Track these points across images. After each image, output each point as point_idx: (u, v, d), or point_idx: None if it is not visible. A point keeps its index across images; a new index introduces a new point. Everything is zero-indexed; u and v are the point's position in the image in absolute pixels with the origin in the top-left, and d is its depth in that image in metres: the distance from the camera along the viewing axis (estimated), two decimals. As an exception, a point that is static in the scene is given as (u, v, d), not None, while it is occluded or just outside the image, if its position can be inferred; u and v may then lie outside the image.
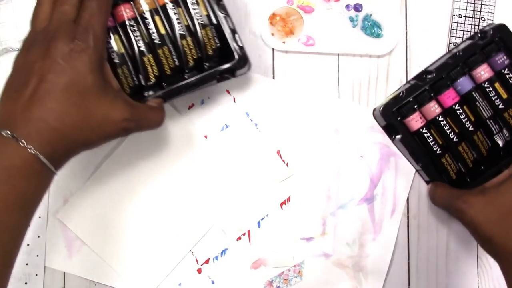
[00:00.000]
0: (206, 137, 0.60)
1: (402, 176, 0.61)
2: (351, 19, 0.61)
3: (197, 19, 0.53)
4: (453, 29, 0.61)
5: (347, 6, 0.61)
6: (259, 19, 0.62)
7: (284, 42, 0.61)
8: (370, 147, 0.61)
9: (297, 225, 0.60)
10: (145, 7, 0.53)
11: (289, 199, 0.60)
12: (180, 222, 0.59)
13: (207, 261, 0.59)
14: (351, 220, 0.60)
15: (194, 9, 0.53)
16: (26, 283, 0.59)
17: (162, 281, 0.59)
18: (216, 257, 0.59)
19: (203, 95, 0.61)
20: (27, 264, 0.59)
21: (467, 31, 0.61)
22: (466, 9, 0.61)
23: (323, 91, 0.61)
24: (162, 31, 0.53)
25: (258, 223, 0.60)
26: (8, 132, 0.43)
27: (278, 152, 0.60)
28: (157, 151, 0.60)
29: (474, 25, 0.61)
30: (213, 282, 0.59)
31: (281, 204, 0.60)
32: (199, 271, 0.59)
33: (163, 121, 0.52)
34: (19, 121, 0.43)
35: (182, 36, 0.53)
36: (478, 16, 0.61)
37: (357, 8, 0.61)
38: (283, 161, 0.60)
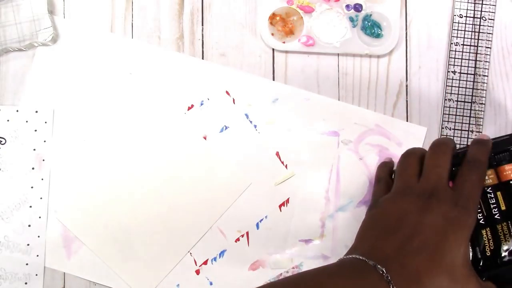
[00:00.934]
0: (205, 138, 0.60)
1: None
2: (351, 19, 0.60)
3: None
4: (453, 29, 0.61)
5: (347, 6, 0.60)
6: (259, 19, 0.61)
7: (284, 42, 0.61)
8: (369, 150, 0.60)
9: (295, 227, 0.60)
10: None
11: (288, 200, 0.60)
12: (179, 223, 0.59)
13: (205, 262, 0.59)
14: (350, 223, 0.60)
15: None
16: (26, 283, 0.59)
17: (161, 282, 0.59)
18: (215, 258, 0.59)
19: (202, 96, 0.61)
20: (27, 264, 0.59)
21: (468, 31, 0.61)
22: (467, 9, 0.61)
23: (323, 91, 0.61)
24: (503, 207, 0.51)
25: (257, 224, 0.60)
26: (383, 270, 0.45)
27: (277, 153, 0.60)
28: (156, 151, 0.60)
29: (475, 25, 0.61)
30: (211, 283, 0.59)
31: (280, 206, 0.60)
32: (197, 272, 0.59)
33: None
34: (392, 263, 0.45)
35: None
36: (479, 16, 0.61)
37: (357, 8, 0.60)
38: (282, 162, 0.60)
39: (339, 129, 0.61)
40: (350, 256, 0.48)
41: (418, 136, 0.61)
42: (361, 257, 0.47)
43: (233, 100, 0.61)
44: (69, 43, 0.61)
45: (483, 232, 0.51)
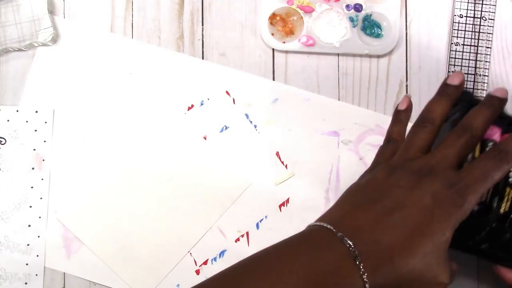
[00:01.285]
0: (205, 138, 0.60)
1: None
2: (351, 19, 0.60)
3: None
4: (454, 29, 0.61)
5: (347, 6, 0.60)
6: (259, 19, 0.61)
7: (284, 42, 0.61)
8: (369, 150, 0.60)
9: (295, 227, 0.60)
10: None
11: (287, 201, 0.60)
12: (179, 223, 0.59)
13: (205, 262, 0.59)
14: None
15: None
16: (26, 283, 0.59)
17: (161, 282, 0.59)
18: (215, 259, 0.59)
19: (202, 96, 0.61)
20: (27, 264, 0.59)
21: (468, 31, 0.61)
22: (467, 9, 0.61)
23: (323, 91, 0.61)
24: None
25: (257, 224, 0.60)
26: (351, 244, 0.40)
27: (277, 154, 0.60)
28: (156, 151, 0.60)
29: (475, 25, 0.61)
30: None
31: (280, 206, 0.60)
32: (197, 272, 0.59)
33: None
34: (362, 236, 0.41)
35: None
36: (479, 16, 0.61)
37: (357, 8, 0.60)
38: (282, 162, 0.60)
39: (339, 129, 0.61)
40: (318, 224, 0.43)
41: None
42: (328, 226, 0.42)
43: (233, 100, 0.61)
44: (69, 43, 0.61)
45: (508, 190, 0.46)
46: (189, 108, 0.61)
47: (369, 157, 0.60)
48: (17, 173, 0.60)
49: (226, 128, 0.60)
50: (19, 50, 0.60)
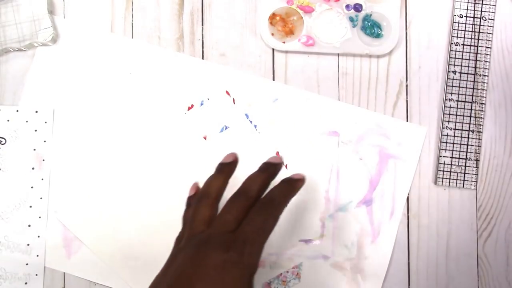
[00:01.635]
0: (205, 138, 0.60)
1: (401, 178, 0.60)
2: (351, 19, 0.60)
3: None
4: (453, 29, 0.61)
5: (347, 6, 0.60)
6: (259, 19, 0.61)
7: (284, 42, 0.61)
8: (369, 150, 0.61)
9: (295, 227, 0.60)
10: None
11: None
12: (179, 223, 0.59)
13: None
14: (349, 223, 0.60)
15: None
16: (26, 283, 0.59)
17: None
18: None
19: (202, 96, 0.61)
20: (27, 264, 0.59)
21: (468, 31, 0.61)
22: (467, 9, 0.61)
23: (323, 91, 0.61)
24: None
25: None
26: None
27: (278, 153, 0.60)
28: (156, 151, 0.60)
29: (475, 25, 0.61)
30: None
31: None
32: None
33: None
34: None
35: None
36: (479, 16, 0.61)
37: (357, 8, 0.60)
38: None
39: (339, 129, 0.61)
40: None
41: (418, 136, 0.61)
42: None
43: (233, 100, 0.61)
44: (69, 43, 0.61)
45: None
46: (189, 108, 0.61)
47: (370, 158, 0.60)
48: (17, 173, 0.60)
49: (226, 128, 0.60)
50: (19, 50, 0.61)
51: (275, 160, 0.51)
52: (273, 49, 0.62)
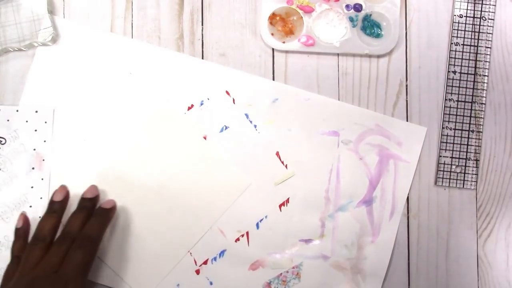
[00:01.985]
0: (205, 138, 0.60)
1: (401, 178, 0.61)
2: (351, 19, 0.60)
3: None
4: (453, 29, 0.61)
5: (347, 6, 0.60)
6: (259, 19, 0.61)
7: (284, 42, 0.61)
8: (369, 150, 0.61)
9: (295, 226, 0.60)
10: None
11: (287, 200, 0.60)
12: (179, 223, 0.59)
13: (205, 262, 0.59)
14: (349, 223, 0.60)
15: None
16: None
17: (161, 282, 0.59)
18: (215, 258, 0.60)
19: (202, 96, 0.61)
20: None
21: (468, 31, 0.61)
22: (467, 9, 0.61)
23: (323, 91, 0.61)
24: None
25: (257, 224, 0.60)
26: None
27: (277, 153, 0.60)
28: (156, 151, 0.60)
29: (475, 25, 0.61)
30: (211, 283, 0.59)
31: (280, 206, 0.60)
32: (197, 272, 0.59)
33: None
34: None
35: None
36: (479, 16, 0.61)
37: (357, 8, 0.60)
38: (282, 162, 0.60)
39: (339, 129, 0.61)
40: None
41: (418, 136, 0.61)
42: None
43: (233, 100, 0.61)
44: (69, 43, 0.61)
45: None
46: (189, 108, 0.61)
47: (369, 157, 0.60)
48: (17, 173, 0.60)
49: (226, 128, 0.60)
50: (19, 50, 0.60)
51: (90, 195, 0.57)
52: (273, 49, 0.62)
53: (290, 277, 0.60)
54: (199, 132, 0.60)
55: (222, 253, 0.60)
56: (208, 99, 0.61)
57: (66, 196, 0.57)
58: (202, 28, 0.62)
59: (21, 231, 0.57)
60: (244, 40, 0.62)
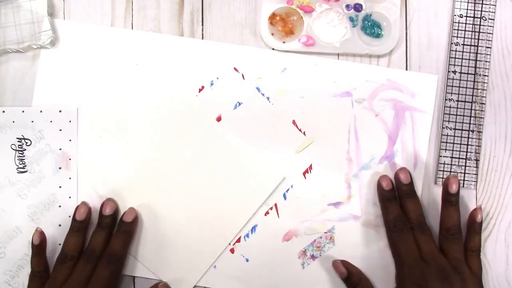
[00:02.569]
0: (220, 117, 0.60)
1: (420, 128, 0.60)
2: (351, 19, 0.60)
3: None
4: (453, 29, 0.61)
5: (347, 6, 0.60)
6: (259, 19, 0.61)
7: (284, 42, 0.60)
8: (384, 105, 0.60)
9: (322, 192, 0.60)
10: None
11: (310, 167, 0.60)
12: (216, 217, 0.59)
13: (238, 240, 0.59)
14: (374, 180, 0.60)
15: None
16: None
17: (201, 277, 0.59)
18: (247, 235, 0.59)
19: (211, 76, 0.61)
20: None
21: (468, 31, 0.61)
22: (467, 9, 0.61)
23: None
24: None
25: (284, 195, 0.60)
26: None
27: (294, 122, 0.60)
28: (173, 138, 0.60)
29: (475, 25, 0.61)
30: (247, 260, 0.59)
31: (304, 173, 0.60)
32: (232, 251, 0.59)
33: None
34: None
35: None
36: (479, 16, 0.61)
37: (357, 8, 0.60)
38: (300, 130, 0.60)
39: (351, 89, 0.61)
40: None
41: (430, 84, 0.61)
42: None
43: (242, 75, 0.61)
44: (73, 42, 0.61)
45: None
46: (200, 90, 0.60)
47: (385, 113, 0.60)
48: (44, 173, 0.59)
49: (240, 104, 0.60)
50: (17, 51, 0.60)
51: (109, 211, 0.57)
52: (273, 49, 0.61)
53: (324, 242, 0.60)
54: (213, 112, 0.60)
55: (253, 228, 0.59)
56: (218, 78, 0.61)
57: (88, 214, 0.58)
58: (202, 28, 0.62)
59: (39, 247, 0.57)
60: (244, 40, 0.62)
